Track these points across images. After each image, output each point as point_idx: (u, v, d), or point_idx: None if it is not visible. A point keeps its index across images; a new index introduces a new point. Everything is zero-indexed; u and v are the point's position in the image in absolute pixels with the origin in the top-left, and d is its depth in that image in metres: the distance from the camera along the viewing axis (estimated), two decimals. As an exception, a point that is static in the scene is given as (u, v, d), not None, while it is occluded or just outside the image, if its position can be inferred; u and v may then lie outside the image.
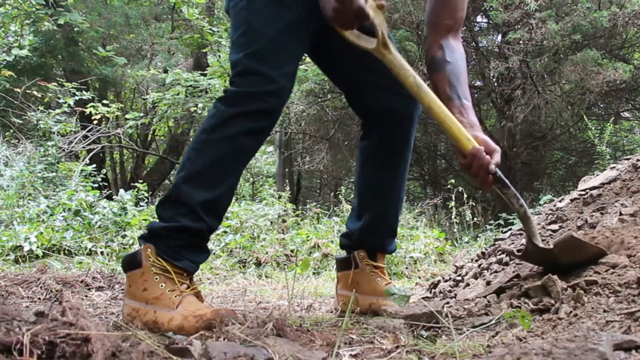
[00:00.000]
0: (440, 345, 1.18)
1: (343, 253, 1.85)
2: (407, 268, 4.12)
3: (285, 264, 4.03)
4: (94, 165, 6.25)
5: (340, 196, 7.16)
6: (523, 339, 1.17)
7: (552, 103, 7.75)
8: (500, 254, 2.15)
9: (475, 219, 6.64)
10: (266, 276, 3.69)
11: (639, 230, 1.63)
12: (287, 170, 11.46)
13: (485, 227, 6.57)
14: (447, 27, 1.61)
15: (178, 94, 8.02)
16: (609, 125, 6.86)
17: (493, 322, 1.38)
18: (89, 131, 7.20)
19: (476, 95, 8.63)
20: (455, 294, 2.01)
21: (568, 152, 10.90)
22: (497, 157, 1.45)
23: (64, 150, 6.68)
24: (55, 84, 7.62)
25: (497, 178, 1.46)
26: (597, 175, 2.63)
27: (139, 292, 1.39)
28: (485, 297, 1.64)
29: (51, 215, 4.52)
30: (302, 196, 13.04)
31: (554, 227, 2.10)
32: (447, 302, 1.76)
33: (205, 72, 8.52)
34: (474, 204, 6.80)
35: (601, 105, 10.18)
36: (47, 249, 3.87)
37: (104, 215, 4.49)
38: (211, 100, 7.53)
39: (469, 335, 1.31)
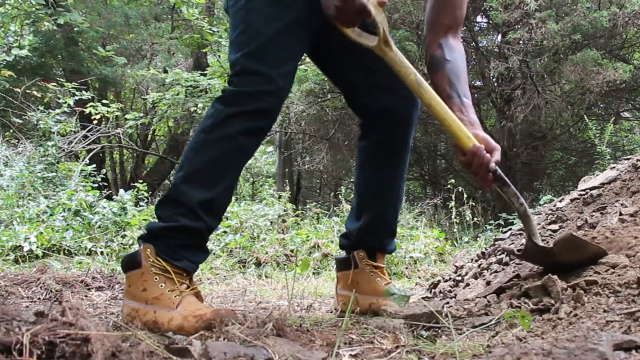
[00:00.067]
0: (440, 345, 1.18)
1: (343, 253, 1.85)
2: (407, 268, 4.12)
3: (285, 264, 4.03)
4: (94, 165, 6.25)
5: (340, 196, 7.16)
6: (523, 339, 1.17)
7: (552, 103, 7.75)
8: (500, 254, 2.15)
9: (475, 219, 6.64)
10: (266, 276, 3.69)
11: (639, 230, 1.63)
12: (287, 170, 11.46)
13: (485, 227, 6.57)
14: (447, 26, 1.61)
15: (178, 94, 8.02)
16: (610, 125, 6.86)
17: (493, 322, 1.38)
18: (88, 131, 7.20)
19: (476, 95, 8.62)
20: (455, 294, 2.01)
21: (568, 152, 10.90)
22: (497, 155, 1.45)
23: (63, 150, 6.68)
24: (55, 84, 7.62)
25: (497, 176, 1.46)
26: (597, 175, 2.63)
27: (139, 292, 1.39)
28: (485, 297, 1.64)
29: (51, 215, 4.52)
30: (302, 196, 13.03)
31: (554, 227, 2.09)
32: (447, 302, 1.76)
33: (205, 72, 8.52)
34: (474, 204, 6.80)
35: (601, 105, 10.18)
36: (47, 249, 3.87)
37: (103, 215, 4.49)
38: (211, 100, 7.52)
39: (469, 335, 1.31)
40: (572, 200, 2.36)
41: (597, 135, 6.78)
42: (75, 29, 8.43)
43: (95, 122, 7.49)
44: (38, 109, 6.83)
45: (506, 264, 1.99)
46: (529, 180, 10.12)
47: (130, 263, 1.43)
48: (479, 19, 8.85)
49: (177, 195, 1.43)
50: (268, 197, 6.27)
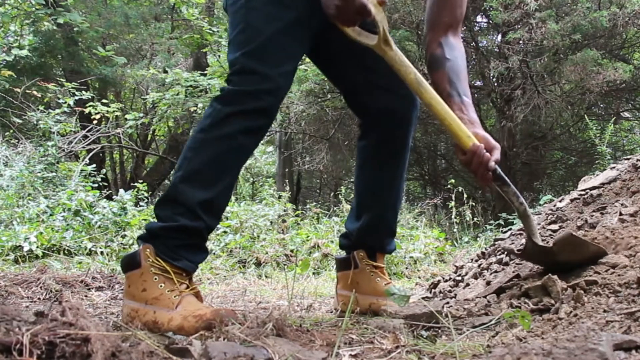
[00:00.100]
0: (440, 345, 1.18)
1: (343, 253, 1.85)
2: (407, 268, 4.12)
3: (285, 264, 4.03)
4: (94, 165, 6.25)
5: (340, 196, 7.16)
6: (523, 339, 1.16)
7: (552, 103, 7.75)
8: (500, 254, 2.15)
9: (475, 219, 6.64)
10: (266, 276, 3.69)
11: (639, 230, 1.63)
12: (287, 170, 11.46)
13: (485, 227, 6.57)
14: (447, 24, 1.61)
15: (178, 94, 8.02)
16: (610, 125, 6.85)
17: (493, 322, 1.38)
18: (88, 131, 7.20)
19: (476, 95, 8.62)
20: (455, 294, 2.01)
21: (568, 152, 10.90)
22: (497, 154, 1.45)
23: (63, 150, 6.68)
24: (55, 84, 7.62)
25: (496, 175, 1.46)
26: (597, 175, 2.63)
27: (139, 292, 1.39)
28: (485, 297, 1.64)
29: (51, 215, 4.52)
30: (302, 196, 13.03)
31: (554, 227, 2.09)
32: (447, 302, 1.76)
33: (205, 72, 8.52)
34: (474, 204, 6.80)
35: (601, 105, 10.18)
36: (47, 249, 3.87)
37: (103, 215, 4.49)
38: (211, 100, 7.52)
39: (469, 335, 1.31)
40: (572, 200, 2.36)
41: (597, 135, 6.78)
42: (75, 29, 8.43)
43: (95, 122, 7.49)
44: (38, 109, 6.83)
45: (506, 264, 1.98)
46: (529, 180, 10.12)
47: (130, 263, 1.43)
48: (479, 18, 8.85)
49: (176, 195, 1.43)
50: (268, 197, 6.27)
